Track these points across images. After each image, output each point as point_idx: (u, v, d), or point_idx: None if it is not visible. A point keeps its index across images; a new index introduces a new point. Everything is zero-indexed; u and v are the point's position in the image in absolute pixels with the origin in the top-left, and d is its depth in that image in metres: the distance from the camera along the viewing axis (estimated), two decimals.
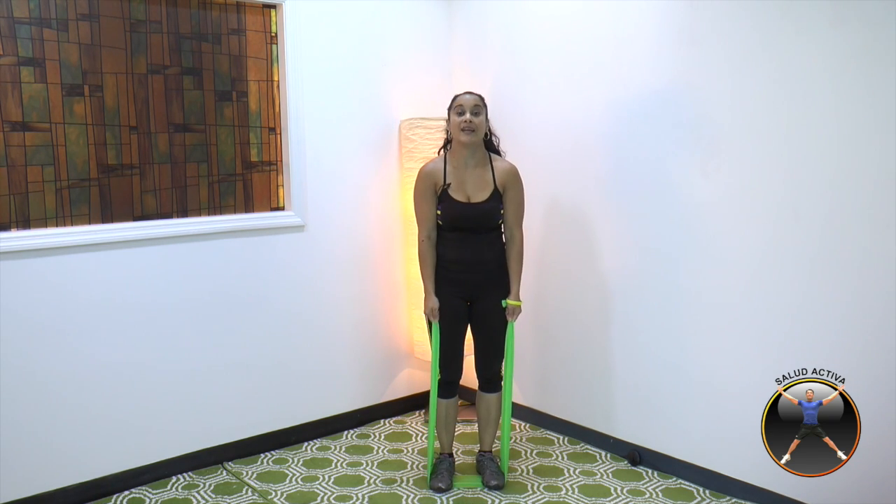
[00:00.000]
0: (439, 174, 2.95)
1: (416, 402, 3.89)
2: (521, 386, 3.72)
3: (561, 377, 3.55)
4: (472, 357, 3.14)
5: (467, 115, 2.88)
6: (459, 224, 2.94)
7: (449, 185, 2.93)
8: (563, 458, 3.31)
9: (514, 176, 2.97)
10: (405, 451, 3.42)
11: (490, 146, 3.03)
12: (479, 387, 3.12)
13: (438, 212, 2.95)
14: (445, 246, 2.97)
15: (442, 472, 3.06)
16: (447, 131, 3.02)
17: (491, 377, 3.07)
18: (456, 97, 2.96)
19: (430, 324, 3.01)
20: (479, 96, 2.96)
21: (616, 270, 3.24)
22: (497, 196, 2.94)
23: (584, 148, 3.29)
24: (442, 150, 3.09)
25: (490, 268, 2.98)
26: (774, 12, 2.62)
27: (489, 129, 3.02)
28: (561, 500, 2.94)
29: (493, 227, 2.98)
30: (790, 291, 2.68)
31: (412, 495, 2.99)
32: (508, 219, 2.98)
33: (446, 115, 3.01)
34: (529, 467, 3.22)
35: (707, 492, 2.95)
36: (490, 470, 3.07)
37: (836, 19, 2.47)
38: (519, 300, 3.01)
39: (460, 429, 3.56)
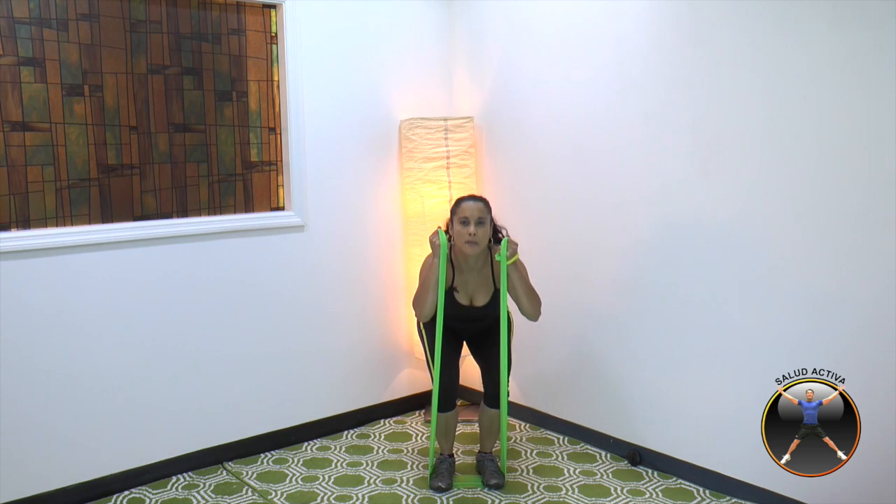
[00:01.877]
0: (448, 274, 2.92)
1: (416, 402, 3.89)
2: (521, 386, 3.72)
3: (561, 377, 3.55)
4: (470, 358, 3.16)
5: (471, 228, 2.83)
6: (459, 321, 3.00)
7: (455, 288, 2.94)
8: (563, 458, 3.31)
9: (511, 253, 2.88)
10: (405, 451, 3.42)
11: (497, 240, 2.98)
12: (484, 400, 3.11)
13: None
14: (445, 308, 2.95)
15: (442, 471, 3.06)
16: (449, 230, 2.94)
17: (497, 394, 3.07)
18: (460, 203, 2.90)
19: (428, 344, 3.02)
20: (484, 202, 2.90)
21: (616, 270, 3.24)
22: (497, 296, 2.95)
23: (583, 148, 3.29)
24: (448, 235, 2.95)
25: (489, 322, 3.02)
26: (774, 12, 2.62)
27: (494, 228, 2.97)
28: (561, 500, 2.94)
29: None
30: (790, 291, 2.68)
31: (412, 495, 2.99)
32: (520, 295, 2.92)
33: (449, 220, 2.95)
34: (529, 467, 3.22)
35: (707, 492, 2.95)
36: (490, 470, 3.07)
37: (836, 19, 2.47)
38: (516, 255, 2.89)
39: (460, 429, 3.56)
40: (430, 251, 2.94)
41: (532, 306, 2.91)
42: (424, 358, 3.10)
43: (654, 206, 3.06)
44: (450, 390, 3.05)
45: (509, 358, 2.98)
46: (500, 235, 3.01)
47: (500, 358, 2.95)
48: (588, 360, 3.40)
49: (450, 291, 2.93)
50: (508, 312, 2.97)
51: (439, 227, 2.93)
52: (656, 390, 3.13)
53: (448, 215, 2.99)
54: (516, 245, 2.88)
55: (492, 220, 2.93)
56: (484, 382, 3.10)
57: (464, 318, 2.99)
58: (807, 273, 2.63)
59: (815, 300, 2.62)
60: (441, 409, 3.04)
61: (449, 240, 2.93)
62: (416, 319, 3.08)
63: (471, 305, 2.96)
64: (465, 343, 3.14)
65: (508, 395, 3.06)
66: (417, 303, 2.94)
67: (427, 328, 3.01)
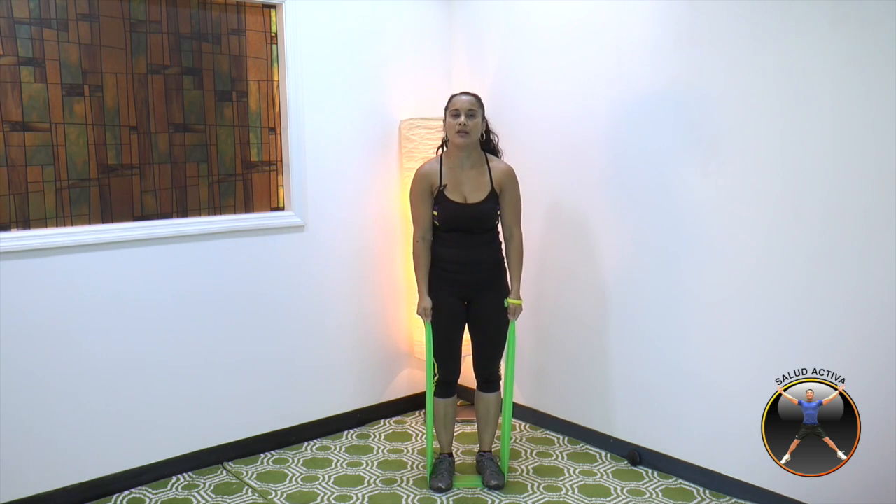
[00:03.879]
0: (435, 175, 2.95)
1: (416, 402, 3.89)
2: (521, 386, 3.72)
3: (561, 377, 3.55)
4: (470, 356, 3.15)
5: (462, 118, 2.87)
6: (456, 225, 2.94)
7: (445, 185, 2.93)
8: (563, 458, 3.31)
9: (510, 176, 2.97)
10: (405, 451, 3.42)
11: (487, 146, 3.03)
12: (478, 386, 3.12)
13: (435, 212, 2.95)
14: (442, 246, 2.97)
15: (442, 472, 3.06)
16: (444, 131, 3.02)
17: (489, 377, 3.07)
18: (452, 98, 2.96)
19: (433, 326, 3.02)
20: (476, 97, 2.94)
21: (616, 270, 3.24)
22: (493, 197, 2.94)
23: (584, 148, 3.29)
24: (438, 151, 3.09)
25: (486, 268, 2.98)
26: (774, 12, 2.62)
27: (487, 129, 3.02)
28: (561, 500, 2.94)
29: (490, 228, 2.98)
30: (790, 291, 2.68)
31: (412, 495, 2.99)
32: (506, 219, 2.99)
33: (443, 115, 3.01)
34: (529, 467, 3.22)
35: (707, 492, 2.95)
36: (490, 470, 3.07)
37: (836, 19, 2.47)
38: (520, 299, 3.01)
39: (460, 429, 3.56)
40: (416, 177, 2.99)
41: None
42: (424, 356, 3.10)
43: (653, 206, 3.06)
44: (450, 373, 3.04)
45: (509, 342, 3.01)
46: (494, 141, 3.06)
47: (507, 362, 2.97)
48: (588, 361, 3.40)
49: (440, 193, 2.93)
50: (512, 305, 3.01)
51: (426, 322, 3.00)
52: (656, 390, 3.13)
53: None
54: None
55: (484, 117, 2.96)
56: (475, 365, 3.08)
57: (461, 217, 2.92)
58: (807, 272, 2.63)
59: (815, 300, 2.62)
60: (439, 393, 3.04)
61: (443, 143, 3.04)
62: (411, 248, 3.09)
63: (465, 202, 2.93)
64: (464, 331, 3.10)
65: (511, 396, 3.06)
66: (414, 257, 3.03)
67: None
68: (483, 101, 2.99)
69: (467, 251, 2.95)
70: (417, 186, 2.97)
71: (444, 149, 3.04)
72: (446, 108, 2.95)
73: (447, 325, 2.99)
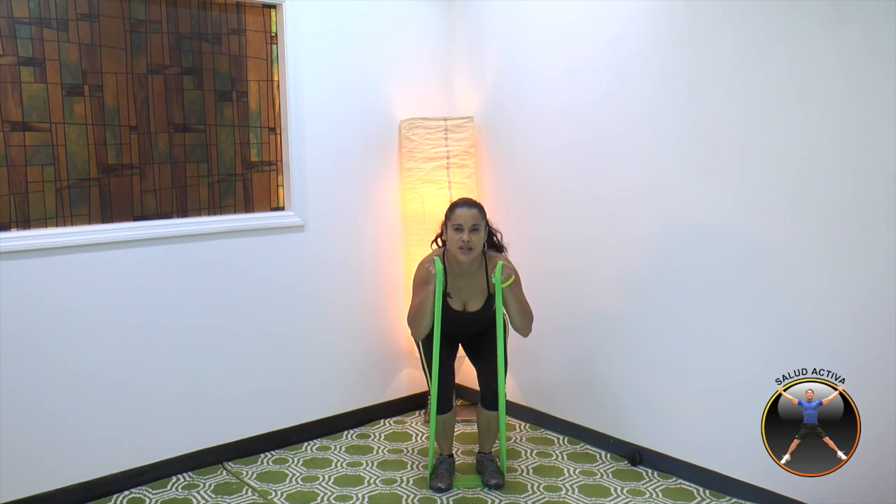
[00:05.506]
0: (441, 280, 2.87)
1: (416, 402, 3.89)
2: (521, 386, 3.72)
3: (561, 377, 3.55)
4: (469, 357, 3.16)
5: (465, 235, 2.81)
6: (453, 329, 3.00)
7: (449, 294, 2.92)
8: (563, 458, 3.31)
9: (504, 272, 2.86)
10: (405, 451, 3.42)
11: (490, 244, 2.98)
12: (481, 402, 3.11)
13: None
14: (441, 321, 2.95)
15: (442, 472, 3.06)
16: (443, 235, 2.94)
17: (493, 396, 3.07)
18: (454, 209, 2.87)
19: (424, 351, 3.02)
20: (479, 208, 2.87)
21: (615, 270, 3.23)
22: (491, 301, 2.94)
23: (583, 148, 3.29)
24: (434, 246, 3.04)
25: (481, 325, 3.03)
26: (774, 12, 2.62)
27: (489, 232, 2.96)
28: (561, 500, 2.94)
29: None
30: (790, 291, 2.68)
31: (412, 495, 2.99)
32: (513, 313, 2.93)
33: (443, 223, 2.93)
34: (529, 467, 3.22)
35: (707, 492, 2.95)
36: (490, 470, 3.07)
37: (836, 19, 2.47)
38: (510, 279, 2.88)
39: (460, 429, 3.56)
40: (424, 255, 2.95)
41: (523, 324, 2.91)
42: (420, 363, 3.10)
43: (653, 206, 3.06)
44: (447, 392, 3.05)
45: (505, 359, 2.97)
46: (496, 239, 3.01)
47: (498, 361, 2.95)
48: (588, 361, 3.40)
49: (444, 298, 2.91)
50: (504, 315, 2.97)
51: (435, 257, 2.90)
52: (656, 390, 3.13)
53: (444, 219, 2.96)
54: (512, 269, 2.87)
55: (486, 224, 2.92)
56: (480, 384, 3.10)
57: (457, 323, 2.98)
58: (807, 272, 2.63)
59: (815, 300, 2.62)
60: (439, 411, 3.04)
61: (443, 244, 2.95)
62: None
63: (464, 311, 2.95)
64: (460, 346, 3.14)
65: (506, 396, 3.06)
66: (412, 325, 2.92)
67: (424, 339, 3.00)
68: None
69: (465, 326, 3.03)
70: (423, 284, 2.87)
71: (444, 248, 2.95)
72: (447, 217, 2.88)
73: (441, 353, 2.97)
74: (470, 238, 2.81)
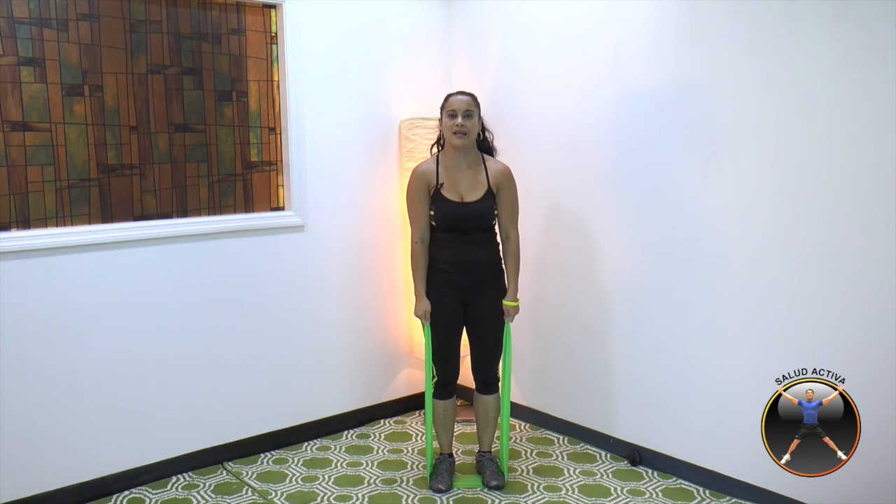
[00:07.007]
0: (432, 174, 2.95)
1: (416, 402, 3.89)
2: (521, 386, 3.72)
3: (561, 377, 3.55)
4: (468, 358, 3.15)
5: (459, 119, 2.87)
6: (452, 224, 2.93)
7: (442, 184, 2.93)
8: (563, 458, 3.31)
9: (507, 176, 2.97)
10: (405, 451, 3.42)
11: (482, 145, 3.02)
12: (476, 388, 3.12)
13: (431, 212, 2.95)
14: (439, 247, 2.97)
15: (442, 472, 3.06)
16: (440, 130, 3.01)
17: (488, 379, 3.07)
18: (448, 98, 2.95)
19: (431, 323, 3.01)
20: (472, 97, 2.94)
21: (616, 270, 3.24)
22: (490, 196, 2.94)
23: (584, 148, 3.29)
24: (433, 149, 3.09)
25: (484, 269, 2.97)
26: (774, 12, 2.62)
27: (483, 128, 3.01)
28: (561, 500, 2.94)
29: (487, 228, 2.98)
30: (790, 291, 2.68)
31: (412, 495, 2.99)
32: (503, 219, 2.98)
33: (439, 114, 3.00)
34: (529, 467, 3.22)
35: (707, 492, 2.95)
36: (490, 470, 3.07)
37: (836, 19, 2.47)
38: (516, 300, 3.00)
39: (460, 429, 3.56)
40: (413, 177, 2.98)
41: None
42: (423, 356, 3.09)
43: (653, 207, 3.06)
44: (449, 375, 3.04)
45: (501, 347, 3.00)
46: (488, 139, 3.05)
47: (503, 347, 2.97)
48: (588, 361, 3.40)
49: (437, 189, 2.93)
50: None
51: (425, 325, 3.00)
52: (656, 390, 3.13)
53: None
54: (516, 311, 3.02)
55: (480, 117, 2.96)
56: (473, 366, 3.08)
57: (458, 216, 2.92)
58: (807, 272, 2.63)
59: (815, 299, 2.62)
60: (438, 395, 3.04)
61: (440, 148, 3.02)
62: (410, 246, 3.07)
63: (462, 202, 2.93)
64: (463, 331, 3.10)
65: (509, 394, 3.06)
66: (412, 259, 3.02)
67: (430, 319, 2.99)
68: (479, 100, 2.99)
69: (465, 252, 2.94)
70: (414, 185, 2.96)
71: (440, 148, 3.03)
72: (442, 108, 2.95)
73: (445, 326, 2.98)
74: (464, 123, 2.86)
